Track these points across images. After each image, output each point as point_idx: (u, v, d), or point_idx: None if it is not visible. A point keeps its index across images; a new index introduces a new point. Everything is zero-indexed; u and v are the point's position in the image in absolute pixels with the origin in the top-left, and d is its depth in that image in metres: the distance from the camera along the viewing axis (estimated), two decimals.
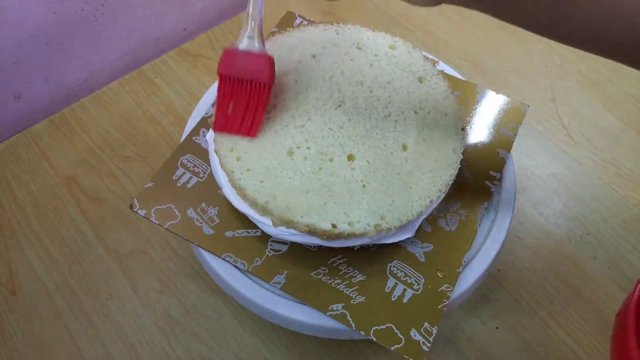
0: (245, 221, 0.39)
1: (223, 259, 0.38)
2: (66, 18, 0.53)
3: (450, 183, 0.38)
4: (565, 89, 0.60)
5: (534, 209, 0.51)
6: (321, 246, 0.38)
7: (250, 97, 0.36)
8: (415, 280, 0.37)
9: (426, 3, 0.28)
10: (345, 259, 0.38)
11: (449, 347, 0.43)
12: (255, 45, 0.35)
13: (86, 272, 0.46)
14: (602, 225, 0.50)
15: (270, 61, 0.36)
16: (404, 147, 0.39)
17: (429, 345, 0.34)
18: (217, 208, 0.40)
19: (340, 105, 0.40)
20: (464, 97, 0.47)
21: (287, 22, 0.51)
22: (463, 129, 0.40)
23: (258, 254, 0.38)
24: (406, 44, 0.44)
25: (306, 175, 0.36)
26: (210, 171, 0.42)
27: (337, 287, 0.37)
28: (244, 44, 0.35)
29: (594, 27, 0.28)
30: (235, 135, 0.37)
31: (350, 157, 0.38)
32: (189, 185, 0.41)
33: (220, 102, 0.36)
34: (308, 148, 0.38)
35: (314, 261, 0.38)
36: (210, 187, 0.41)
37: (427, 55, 0.44)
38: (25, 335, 0.43)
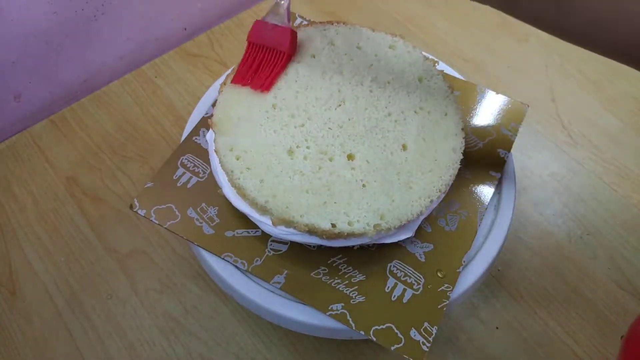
0: (245, 221, 0.39)
1: (223, 258, 0.38)
2: (66, 18, 0.54)
3: (451, 183, 0.38)
4: (565, 89, 0.60)
5: (534, 209, 0.51)
6: (321, 246, 0.38)
7: (271, 62, 0.41)
8: (415, 280, 0.37)
9: None
10: (345, 258, 0.38)
11: (449, 347, 0.43)
12: (283, 21, 0.40)
13: (86, 272, 0.46)
14: (602, 225, 0.50)
15: (292, 34, 0.41)
16: (404, 147, 0.39)
17: (428, 345, 0.34)
18: (217, 208, 0.40)
19: (340, 105, 0.40)
20: (464, 97, 0.47)
21: None
22: (463, 129, 0.40)
23: (258, 253, 0.38)
24: (406, 44, 0.44)
25: (306, 175, 0.36)
26: (210, 171, 0.42)
27: (337, 286, 0.37)
28: (271, 18, 0.40)
29: (598, 25, 0.29)
30: (234, 135, 0.38)
31: (350, 157, 0.38)
32: (189, 185, 0.41)
33: (244, 62, 0.41)
34: (308, 147, 0.38)
35: (313, 261, 0.38)
36: (210, 187, 0.41)
37: (427, 55, 0.44)
38: (25, 335, 0.43)
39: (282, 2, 0.40)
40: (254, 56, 0.41)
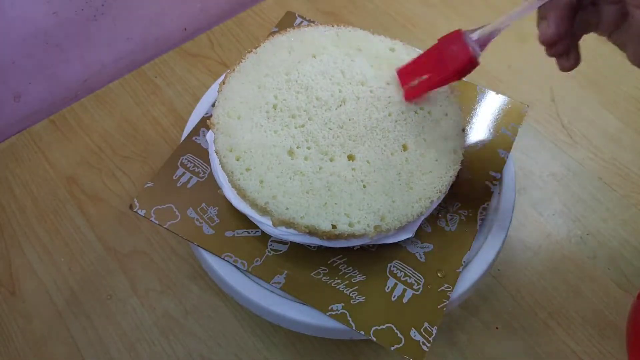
0: (245, 221, 0.39)
1: (223, 259, 0.38)
2: (66, 18, 0.53)
3: (451, 183, 0.38)
4: (565, 89, 0.60)
5: (534, 209, 0.51)
6: (321, 246, 0.38)
7: (433, 74, 0.37)
8: (415, 280, 0.37)
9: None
10: (345, 259, 0.38)
11: (449, 347, 0.43)
12: (477, 44, 0.35)
13: (86, 272, 0.46)
14: (602, 225, 0.50)
15: (471, 62, 0.35)
16: (405, 147, 0.39)
17: (428, 345, 0.34)
18: (217, 208, 0.40)
19: (340, 105, 0.40)
20: (464, 97, 0.47)
21: (287, 22, 0.51)
22: (463, 130, 0.40)
23: (258, 254, 0.38)
24: (406, 47, 0.44)
25: (306, 176, 0.36)
26: (210, 171, 0.42)
27: (337, 287, 0.37)
28: (475, 35, 0.35)
29: None
30: (234, 136, 0.38)
31: (351, 157, 0.38)
32: (189, 185, 0.41)
33: (420, 58, 0.39)
34: (308, 148, 0.38)
35: (314, 261, 0.38)
36: (210, 187, 0.41)
37: None
38: (25, 335, 0.43)
39: (497, 26, 0.35)
40: (429, 58, 0.38)
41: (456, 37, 0.36)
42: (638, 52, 0.31)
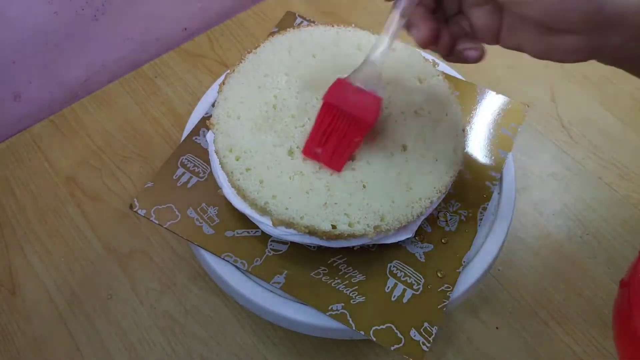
0: (245, 221, 0.39)
1: (223, 258, 0.38)
2: (66, 18, 0.53)
3: (451, 184, 0.38)
4: (565, 89, 0.60)
5: (534, 209, 0.51)
6: (321, 246, 0.38)
7: (347, 131, 0.35)
8: (415, 280, 0.37)
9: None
10: (345, 259, 0.38)
11: (449, 347, 0.43)
12: (374, 87, 0.34)
13: (86, 272, 0.46)
14: (602, 225, 0.50)
15: (380, 103, 0.35)
16: (404, 148, 0.39)
17: (428, 345, 0.34)
18: (217, 208, 0.40)
19: None
20: (464, 97, 0.47)
21: (287, 22, 0.51)
22: (463, 130, 0.40)
23: (258, 253, 0.38)
24: (406, 46, 0.44)
25: (306, 175, 0.36)
26: (210, 171, 0.42)
27: (337, 287, 0.37)
28: (358, 78, 0.34)
29: None
30: (234, 136, 0.38)
31: (351, 157, 0.38)
32: (189, 185, 0.41)
33: (317, 128, 0.36)
34: None
35: (313, 261, 0.38)
36: (210, 187, 0.41)
37: (427, 56, 0.44)
38: (25, 335, 0.43)
39: (387, 38, 0.33)
40: (330, 122, 0.35)
41: (345, 88, 0.34)
42: (535, 42, 0.29)
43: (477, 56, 0.32)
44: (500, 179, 0.43)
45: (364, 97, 0.34)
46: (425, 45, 0.31)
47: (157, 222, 0.39)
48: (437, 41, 0.31)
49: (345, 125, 0.35)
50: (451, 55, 0.32)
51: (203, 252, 0.38)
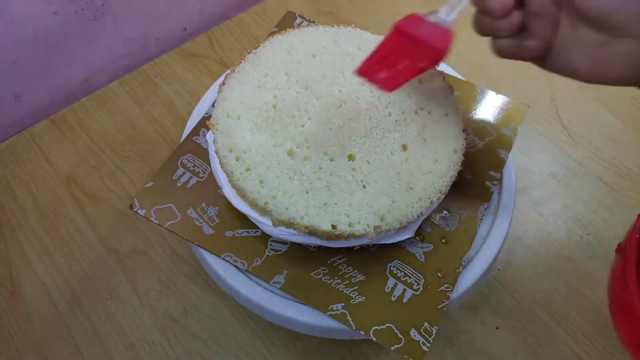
0: (245, 221, 0.39)
1: (223, 258, 0.38)
2: (66, 18, 0.53)
3: (451, 184, 0.38)
4: (565, 89, 0.60)
5: (534, 209, 0.51)
6: (321, 246, 0.38)
7: (413, 57, 0.33)
8: (415, 280, 0.37)
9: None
10: (345, 258, 0.38)
11: (449, 347, 0.43)
12: (447, 19, 0.33)
13: (86, 272, 0.46)
14: (602, 225, 0.50)
15: (452, 37, 0.33)
16: (405, 148, 0.39)
17: (428, 345, 0.34)
18: (217, 208, 0.40)
19: (340, 105, 0.40)
20: (464, 97, 0.47)
21: (287, 22, 0.51)
22: (463, 130, 0.40)
23: (258, 253, 0.38)
24: None
25: (306, 175, 0.36)
26: (210, 171, 0.42)
27: (337, 287, 0.37)
28: (432, 18, 0.33)
29: None
30: (234, 136, 0.38)
31: (351, 157, 0.38)
32: (189, 185, 0.41)
33: (380, 50, 0.34)
34: (308, 148, 0.37)
35: (313, 261, 0.38)
36: (210, 186, 0.41)
37: None
38: (25, 335, 0.43)
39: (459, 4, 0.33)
40: (394, 47, 0.34)
41: (418, 20, 0.33)
42: (587, 57, 0.29)
43: (536, 46, 0.30)
44: (500, 179, 0.43)
45: (437, 28, 0.33)
46: (502, 11, 0.29)
47: (157, 222, 0.39)
48: (510, 15, 0.30)
49: (413, 51, 0.33)
50: (513, 39, 0.30)
51: (203, 252, 0.38)
